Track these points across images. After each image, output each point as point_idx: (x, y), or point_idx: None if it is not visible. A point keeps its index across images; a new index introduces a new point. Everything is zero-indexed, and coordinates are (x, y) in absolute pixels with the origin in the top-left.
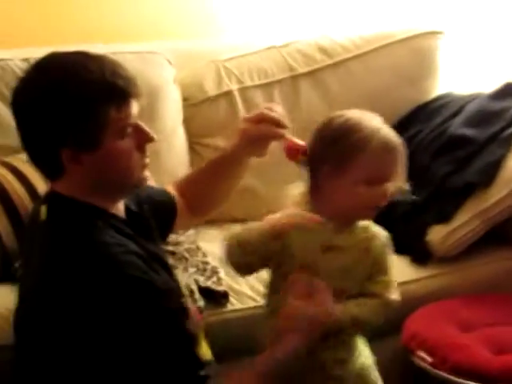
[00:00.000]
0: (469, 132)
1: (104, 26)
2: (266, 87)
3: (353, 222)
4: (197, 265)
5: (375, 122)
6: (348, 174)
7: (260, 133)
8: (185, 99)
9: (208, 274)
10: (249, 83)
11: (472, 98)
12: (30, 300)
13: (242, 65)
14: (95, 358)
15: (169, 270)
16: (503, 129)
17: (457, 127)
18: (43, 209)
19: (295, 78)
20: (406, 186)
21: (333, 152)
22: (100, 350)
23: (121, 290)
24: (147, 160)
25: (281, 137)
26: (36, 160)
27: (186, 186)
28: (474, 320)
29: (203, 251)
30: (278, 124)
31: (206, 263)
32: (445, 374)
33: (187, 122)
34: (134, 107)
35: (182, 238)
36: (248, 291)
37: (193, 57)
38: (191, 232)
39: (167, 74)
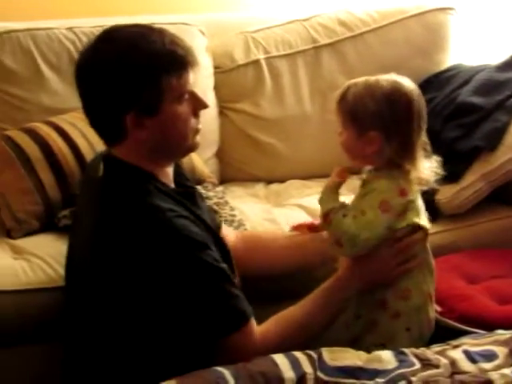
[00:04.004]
0: (477, 100)
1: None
2: (290, 57)
3: None
4: (225, 217)
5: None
6: None
7: None
8: (216, 67)
9: (235, 225)
10: (274, 53)
11: (480, 68)
12: (86, 250)
13: (269, 36)
14: (145, 304)
15: (215, 234)
16: (508, 97)
17: (466, 95)
18: (101, 166)
19: (317, 49)
20: None
21: None
22: (151, 302)
23: (175, 248)
24: (200, 126)
25: None
26: (99, 126)
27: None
28: (479, 273)
29: (231, 205)
30: None
31: (234, 216)
32: (453, 322)
33: (218, 89)
34: (191, 75)
35: (211, 194)
36: None
37: (223, 28)
38: (220, 188)
39: (200, 44)
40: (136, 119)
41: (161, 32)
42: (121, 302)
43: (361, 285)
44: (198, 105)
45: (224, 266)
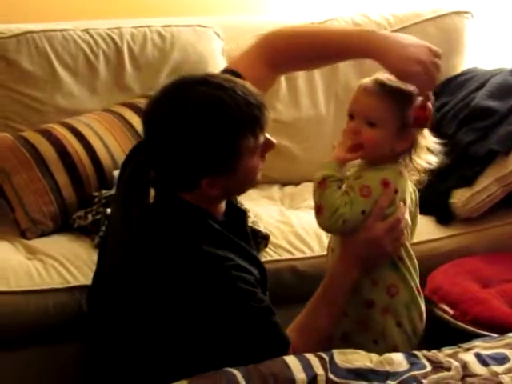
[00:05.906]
0: (491, 104)
1: (161, 2)
2: None
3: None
4: None
5: None
6: None
7: (411, 81)
8: None
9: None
10: None
11: (495, 72)
12: (127, 280)
13: None
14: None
15: (258, 262)
16: None
17: (480, 99)
18: (152, 192)
19: None
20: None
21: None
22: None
23: (230, 296)
24: (263, 164)
25: (425, 98)
26: (169, 179)
27: (285, 45)
28: (493, 276)
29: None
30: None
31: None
32: (465, 325)
33: None
34: (266, 127)
35: None
36: (285, 244)
37: (239, 31)
38: None
39: (216, 46)
40: (211, 180)
41: (233, 91)
42: (167, 336)
43: (360, 265)
44: (268, 148)
45: (267, 302)
